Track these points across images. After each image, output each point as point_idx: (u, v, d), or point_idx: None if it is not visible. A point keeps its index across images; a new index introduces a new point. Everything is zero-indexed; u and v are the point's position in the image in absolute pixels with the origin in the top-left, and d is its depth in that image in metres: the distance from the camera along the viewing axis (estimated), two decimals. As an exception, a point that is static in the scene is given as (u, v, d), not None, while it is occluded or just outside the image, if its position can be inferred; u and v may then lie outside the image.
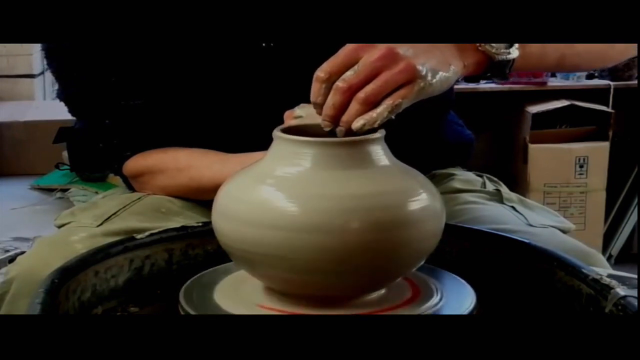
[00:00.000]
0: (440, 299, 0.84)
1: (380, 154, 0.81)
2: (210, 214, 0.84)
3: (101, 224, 1.10)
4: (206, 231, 0.95)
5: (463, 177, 1.27)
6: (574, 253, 0.96)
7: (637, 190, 3.24)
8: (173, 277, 0.94)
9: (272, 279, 0.81)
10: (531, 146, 3.13)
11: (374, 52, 0.83)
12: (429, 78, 0.85)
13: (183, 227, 1.00)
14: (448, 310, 0.82)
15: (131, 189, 1.25)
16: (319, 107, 0.84)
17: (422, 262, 0.82)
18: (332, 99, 0.83)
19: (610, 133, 3.14)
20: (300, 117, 0.88)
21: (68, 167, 2.45)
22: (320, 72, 0.84)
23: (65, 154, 2.44)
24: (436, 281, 0.87)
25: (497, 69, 0.96)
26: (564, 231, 1.12)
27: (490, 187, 1.25)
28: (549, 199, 3.13)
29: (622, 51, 1.12)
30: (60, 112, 1.43)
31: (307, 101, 0.86)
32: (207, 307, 0.83)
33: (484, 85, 3.09)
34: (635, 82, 3.14)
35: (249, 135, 1.05)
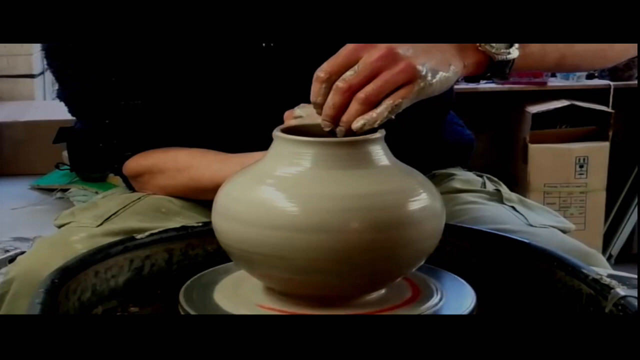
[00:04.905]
0: (440, 299, 0.84)
1: (380, 154, 0.81)
2: (210, 214, 0.84)
3: (101, 224, 1.10)
4: (206, 231, 0.95)
5: (463, 177, 1.27)
6: (574, 253, 0.96)
7: (637, 190, 3.24)
8: (173, 277, 0.94)
9: (272, 279, 0.81)
10: (531, 146, 3.13)
11: (374, 52, 0.83)
12: (429, 78, 0.85)
13: (183, 227, 1.00)
14: (448, 310, 0.82)
15: (131, 189, 1.25)
16: (319, 107, 0.84)
17: (422, 262, 0.82)
18: (332, 99, 0.83)
19: (610, 133, 3.14)
20: (300, 117, 0.88)
21: (68, 167, 2.45)
22: (320, 72, 0.84)
23: (65, 154, 2.44)
24: (436, 281, 0.87)
25: (497, 69, 0.96)
26: (564, 231, 1.12)
27: (490, 187, 1.25)
28: (549, 199, 3.13)
29: (622, 51, 1.12)
30: (60, 112, 1.43)
31: (307, 101, 0.86)
32: (207, 307, 0.83)
33: (484, 85, 3.09)
34: (635, 82, 3.14)
35: (249, 135, 1.05)
